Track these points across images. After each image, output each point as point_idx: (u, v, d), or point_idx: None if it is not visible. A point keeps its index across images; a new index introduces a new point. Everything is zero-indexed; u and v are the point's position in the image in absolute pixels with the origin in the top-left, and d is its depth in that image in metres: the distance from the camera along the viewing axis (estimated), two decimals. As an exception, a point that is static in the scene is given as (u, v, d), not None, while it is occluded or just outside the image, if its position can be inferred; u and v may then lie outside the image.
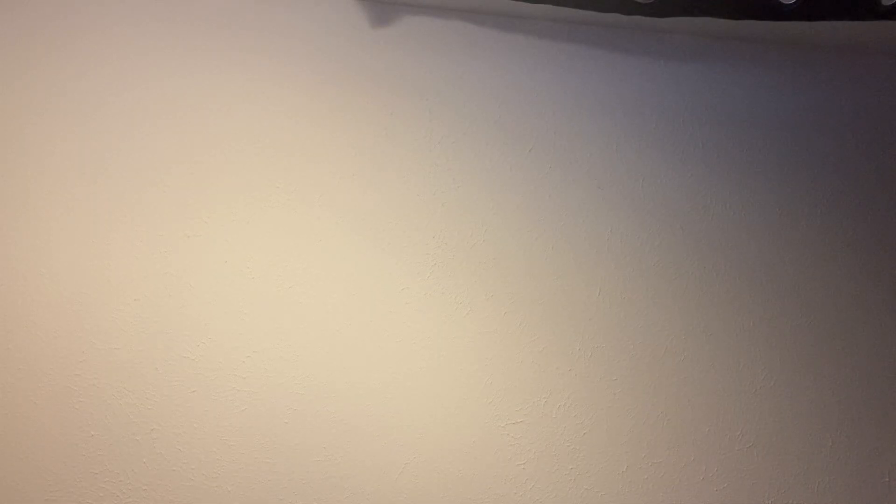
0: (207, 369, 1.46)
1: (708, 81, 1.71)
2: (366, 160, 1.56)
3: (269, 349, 1.48)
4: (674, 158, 1.68)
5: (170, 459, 1.43)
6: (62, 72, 1.48)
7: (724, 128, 1.71)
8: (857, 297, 1.70)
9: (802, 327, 1.68)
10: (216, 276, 1.48)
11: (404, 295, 1.54)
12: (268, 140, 1.53)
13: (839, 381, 1.67)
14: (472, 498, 1.50)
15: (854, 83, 1.76)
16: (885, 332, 1.70)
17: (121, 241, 1.46)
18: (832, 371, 1.67)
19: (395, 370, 1.51)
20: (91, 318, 1.44)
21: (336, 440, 1.48)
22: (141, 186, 1.48)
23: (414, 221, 1.57)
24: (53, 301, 1.43)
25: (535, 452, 1.54)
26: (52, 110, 1.47)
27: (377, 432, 1.49)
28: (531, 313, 1.58)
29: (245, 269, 1.50)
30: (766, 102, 1.73)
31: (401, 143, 1.58)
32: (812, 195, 1.72)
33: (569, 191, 1.63)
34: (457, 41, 1.62)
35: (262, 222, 1.51)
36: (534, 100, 1.64)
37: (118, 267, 1.46)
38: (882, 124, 1.77)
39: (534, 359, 1.57)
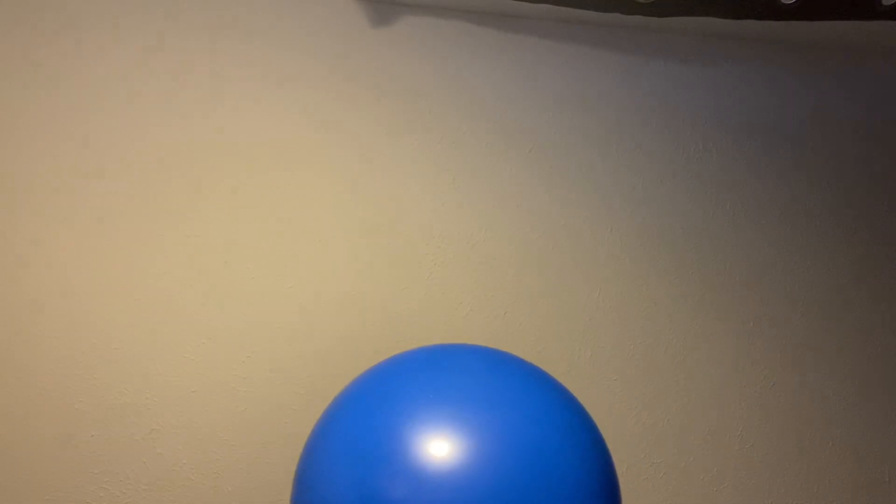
0: (207, 369, 1.46)
1: (708, 81, 1.71)
2: (366, 160, 1.56)
3: (269, 349, 1.48)
4: (674, 158, 1.68)
5: (170, 459, 1.43)
6: (62, 71, 1.48)
7: (724, 128, 1.71)
8: (857, 297, 1.70)
9: (802, 327, 1.68)
10: (216, 276, 1.48)
11: (404, 295, 1.54)
12: (267, 139, 1.53)
13: (839, 380, 1.67)
14: (472, 498, 1.50)
15: (854, 83, 1.76)
16: (885, 332, 1.70)
17: (121, 241, 1.46)
18: (832, 371, 1.67)
19: (395, 370, 1.51)
20: (91, 318, 1.44)
21: (336, 440, 1.47)
22: (141, 186, 1.48)
23: (414, 221, 1.57)
24: (53, 301, 1.43)
25: (535, 452, 1.54)
26: (51, 109, 1.47)
27: (377, 432, 1.49)
28: (531, 313, 1.58)
29: (245, 269, 1.50)
30: (766, 102, 1.73)
31: (401, 143, 1.58)
32: (812, 195, 1.72)
33: (569, 191, 1.63)
34: (457, 41, 1.62)
35: (262, 222, 1.51)
36: (534, 100, 1.64)
37: (118, 267, 1.46)
38: (882, 124, 1.77)
39: (534, 359, 1.57)
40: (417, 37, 1.61)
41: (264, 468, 1.46)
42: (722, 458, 1.61)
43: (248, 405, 1.47)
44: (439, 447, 0.90)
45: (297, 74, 1.55)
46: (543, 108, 1.64)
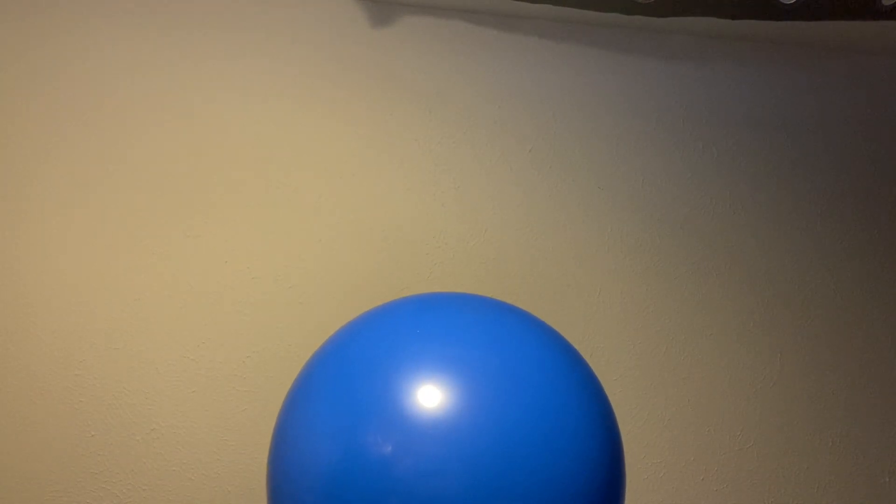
0: (207, 369, 1.46)
1: (708, 81, 1.71)
2: (366, 160, 1.56)
3: (269, 349, 1.48)
4: (674, 158, 1.68)
5: (170, 459, 1.43)
6: (62, 71, 1.48)
7: (724, 128, 1.71)
8: (856, 297, 1.70)
9: (802, 327, 1.68)
10: (216, 276, 1.48)
11: (405, 295, 1.54)
12: (267, 139, 1.53)
13: (839, 380, 1.67)
14: (472, 498, 1.50)
15: (854, 83, 1.76)
16: (885, 331, 1.70)
17: (121, 241, 1.46)
18: (832, 371, 1.67)
19: (395, 370, 1.51)
20: (91, 318, 1.44)
21: (336, 440, 1.47)
22: (140, 186, 1.48)
23: (414, 221, 1.57)
24: (53, 301, 1.43)
25: (535, 452, 1.54)
26: (51, 109, 1.47)
27: (377, 432, 1.49)
28: (531, 313, 1.58)
29: (245, 269, 1.50)
30: (765, 102, 1.73)
31: (401, 143, 1.58)
32: (812, 195, 1.72)
33: (569, 191, 1.63)
34: (457, 41, 1.62)
35: (262, 222, 1.51)
36: (534, 100, 1.64)
37: (118, 267, 1.46)
38: (882, 124, 1.77)
39: (534, 359, 1.57)
40: (417, 37, 1.61)
41: (264, 468, 1.45)
42: (721, 458, 1.61)
43: (248, 405, 1.47)
44: (433, 394, 0.78)
45: (296, 74, 1.55)
46: (543, 108, 1.64)
